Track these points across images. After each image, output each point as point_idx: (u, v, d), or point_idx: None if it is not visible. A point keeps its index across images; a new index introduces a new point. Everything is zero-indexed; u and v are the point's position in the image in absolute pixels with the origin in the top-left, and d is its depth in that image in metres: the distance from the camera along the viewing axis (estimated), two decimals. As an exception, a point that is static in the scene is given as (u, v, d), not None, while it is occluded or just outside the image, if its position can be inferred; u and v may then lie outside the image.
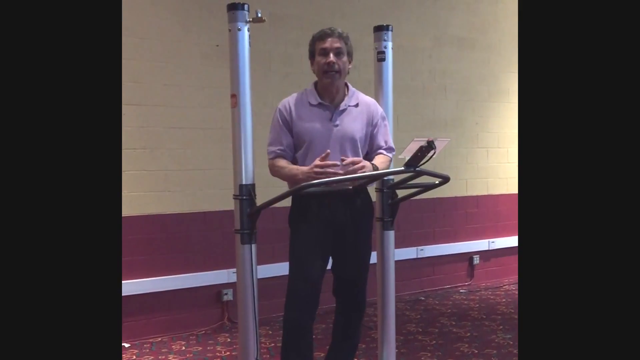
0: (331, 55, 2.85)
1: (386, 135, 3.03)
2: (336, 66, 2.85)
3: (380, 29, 3.21)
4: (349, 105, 2.94)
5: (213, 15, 4.61)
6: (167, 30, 4.60)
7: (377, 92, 3.26)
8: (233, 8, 2.64)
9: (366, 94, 3.07)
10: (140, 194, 4.52)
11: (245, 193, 2.71)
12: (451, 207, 6.09)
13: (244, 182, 2.71)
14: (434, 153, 2.50)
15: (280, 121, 2.93)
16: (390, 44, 3.22)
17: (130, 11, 4.29)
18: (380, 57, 3.22)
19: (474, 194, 6.26)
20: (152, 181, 4.58)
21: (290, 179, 2.85)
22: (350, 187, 2.89)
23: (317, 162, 2.72)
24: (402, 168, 2.64)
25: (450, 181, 2.86)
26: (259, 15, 2.62)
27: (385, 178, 3.11)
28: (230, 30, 2.66)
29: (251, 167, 2.73)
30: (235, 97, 2.69)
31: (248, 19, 2.65)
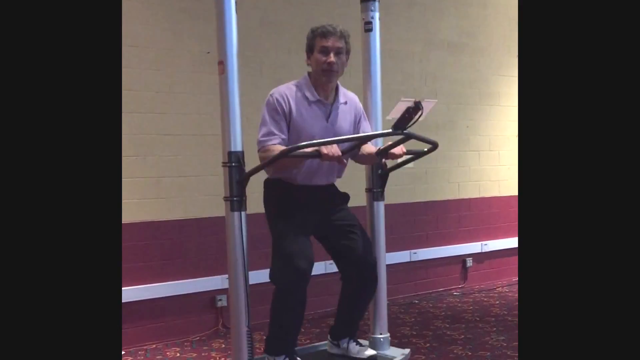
0: (332, 54, 2.86)
1: (367, 129, 3.15)
2: (335, 66, 2.88)
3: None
4: (340, 103, 3.00)
5: (203, 22, 4.62)
6: (158, 37, 4.61)
7: (365, 63, 3.28)
8: None
9: (356, 95, 3.17)
10: (133, 201, 4.52)
11: (234, 160, 2.68)
12: (444, 210, 6.10)
13: (232, 149, 2.68)
14: (421, 114, 2.50)
15: (279, 110, 2.87)
16: (377, 14, 3.23)
17: (122, 19, 4.30)
18: (368, 27, 3.23)
19: (466, 196, 6.28)
20: (145, 188, 4.58)
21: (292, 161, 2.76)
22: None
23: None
24: (390, 130, 2.63)
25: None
26: None
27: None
28: None
29: (239, 133, 2.68)
30: (222, 64, 2.65)
31: None
